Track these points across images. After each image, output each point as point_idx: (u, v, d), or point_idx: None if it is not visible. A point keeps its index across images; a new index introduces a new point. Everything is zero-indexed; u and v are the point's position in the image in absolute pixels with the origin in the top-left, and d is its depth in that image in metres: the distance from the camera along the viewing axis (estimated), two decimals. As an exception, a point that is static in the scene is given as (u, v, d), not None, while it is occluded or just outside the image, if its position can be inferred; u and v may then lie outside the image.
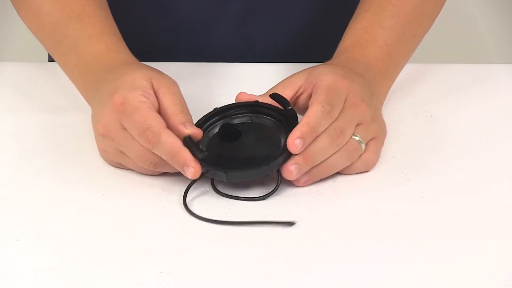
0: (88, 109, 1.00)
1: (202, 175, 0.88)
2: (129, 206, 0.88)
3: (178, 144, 0.87)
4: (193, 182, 0.89)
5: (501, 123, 1.03)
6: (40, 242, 0.83)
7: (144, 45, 1.09)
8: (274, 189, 0.89)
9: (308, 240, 0.83)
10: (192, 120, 0.90)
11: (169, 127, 0.88)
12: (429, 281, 0.78)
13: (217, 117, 0.93)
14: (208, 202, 0.88)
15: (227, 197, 0.88)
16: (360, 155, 0.92)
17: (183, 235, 0.84)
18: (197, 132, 0.89)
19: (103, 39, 0.99)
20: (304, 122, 0.88)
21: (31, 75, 1.11)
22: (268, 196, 0.88)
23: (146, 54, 1.03)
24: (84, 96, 1.00)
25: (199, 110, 0.94)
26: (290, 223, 0.83)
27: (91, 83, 0.96)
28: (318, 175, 0.90)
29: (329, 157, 0.90)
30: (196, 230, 0.84)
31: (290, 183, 0.90)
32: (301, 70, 0.95)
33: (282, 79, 0.95)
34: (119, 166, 0.93)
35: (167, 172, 0.90)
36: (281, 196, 0.89)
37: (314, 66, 0.95)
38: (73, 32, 0.99)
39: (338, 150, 0.90)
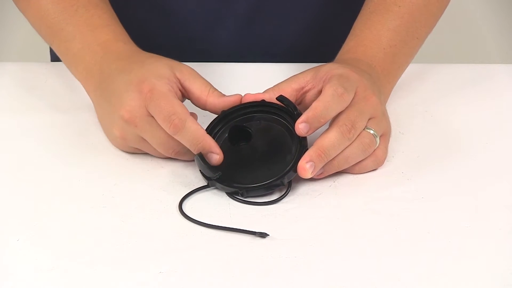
0: (88, 108, 1.00)
1: (216, 189, 0.90)
2: (129, 206, 0.88)
3: (202, 131, 0.89)
4: (194, 191, 0.89)
5: (501, 123, 1.03)
6: (40, 242, 0.83)
7: (150, 45, 1.09)
8: (284, 194, 0.89)
9: (308, 240, 0.83)
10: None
11: (209, 105, 0.92)
12: (429, 281, 0.78)
13: (225, 121, 0.93)
14: (209, 202, 0.88)
15: (238, 201, 0.89)
16: (377, 151, 0.92)
17: (183, 235, 0.84)
18: (236, 98, 0.93)
19: (111, 29, 0.99)
20: (313, 106, 0.88)
21: (31, 75, 1.11)
22: (278, 200, 0.88)
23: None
24: (83, 82, 0.99)
25: (200, 110, 0.94)
26: (263, 234, 0.83)
27: (97, 70, 0.96)
28: (333, 168, 0.90)
29: (344, 150, 0.90)
30: (196, 230, 0.84)
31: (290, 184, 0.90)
32: (308, 69, 0.95)
33: (283, 79, 0.95)
34: (135, 151, 0.94)
35: (184, 159, 0.92)
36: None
37: (320, 65, 0.95)
38: (79, 21, 1.00)
39: (352, 142, 0.90)
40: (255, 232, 0.83)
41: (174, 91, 0.91)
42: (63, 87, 1.07)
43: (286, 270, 0.79)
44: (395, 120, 1.00)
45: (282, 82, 0.94)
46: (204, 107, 0.94)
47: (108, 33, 0.99)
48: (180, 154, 0.92)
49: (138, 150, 0.94)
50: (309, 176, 0.88)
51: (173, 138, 0.90)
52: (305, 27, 1.20)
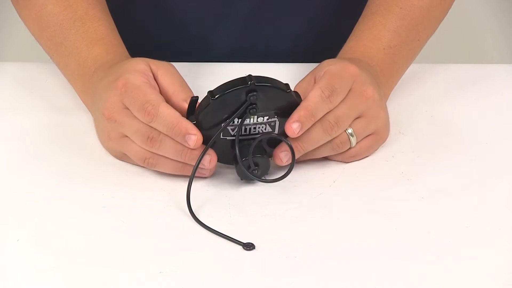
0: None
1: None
2: (129, 206, 0.88)
3: (177, 115, 0.87)
4: (190, 181, 0.88)
5: (501, 123, 1.03)
6: (40, 242, 0.83)
7: (150, 45, 1.08)
8: (287, 171, 0.88)
9: (308, 240, 0.83)
10: (192, 94, 0.91)
11: (172, 106, 0.89)
12: (429, 281, 0.78)
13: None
14: (209, 201, 0.88)
15: (251, 178, 0.88)
16: (350, 149, 0.92)
17: (183, 235, 0.84)
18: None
19: (104, 43, 0.99)
20: (303, 106, 0.88)
21: (31, 75, 1.11)
22: (284, 177, 0.88)
23: (152, 54, 1.03)
24: (82, 98, 1.00)
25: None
26: (249, 246, 0.82)
27: (91, 86, 0.96)
28: (298, 153, 0.90)
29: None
30: (196, 230, 0.84)
31: (290, 184, 0.90)
32: (307, 74, 0.95)
33: (285, 79, 0.94)
34: (122, 157, 0.93)
35: (164, 171, 0.91)
36: (281, 196, 0.89)
37: (319, 64, 0.94)
38: (75, 35, 1.00)
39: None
40: (242, 242, 0.82)
41: (149, 83, 0.90)
42: (63, 87, 1.07)
43: (285, 270, 0.79)
44: (395, 120, 1.00)
45: None
46: (170, 101, 0.91)
47: (101, 47, 0.99)
48: (155, 163, 0.89)
49: (124, 156, 0.93)
50: (283, 164, 0.89)
51: (149, 127, 0.88)
52: (306, 29, 1.20)
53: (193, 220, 0.85)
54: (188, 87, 0.93)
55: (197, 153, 0.88)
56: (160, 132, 0.88)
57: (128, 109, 0.89)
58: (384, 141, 0.95)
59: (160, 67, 0.92)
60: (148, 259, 0.81)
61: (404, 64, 1.03)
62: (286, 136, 0.88)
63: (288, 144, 0.87)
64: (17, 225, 0.85)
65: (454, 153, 0.96)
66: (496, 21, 2.16)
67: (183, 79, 0.93)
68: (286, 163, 0.89)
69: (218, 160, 0.90)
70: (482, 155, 0.96)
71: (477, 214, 0.87)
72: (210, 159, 0.88)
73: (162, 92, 0.91)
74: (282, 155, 0.89)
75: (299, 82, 0.95)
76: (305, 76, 0.95)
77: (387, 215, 0.86)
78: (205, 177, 0.91)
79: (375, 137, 0.93)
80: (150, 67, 0.92)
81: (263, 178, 0.89)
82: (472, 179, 0.92)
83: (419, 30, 1.03)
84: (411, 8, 1.03)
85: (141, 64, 0.92)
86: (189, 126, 0.87)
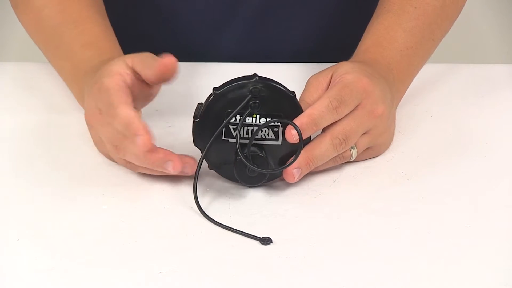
0: (88, 109, 1.00)
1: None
2: (129, 206, 0.88)
3: (132, 115, 0.85)
4: (196, 178, 0.88)
5: (501, 123, 1.03)
6: (40, 242, 0.83)
7: (153, 48, 1.08)
8: (293, 158, 0.87)
9: (308, 240, 0.83)
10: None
11: (154, 78, 0.87)
12: (429, 281, 0.78)
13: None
14: (209, 202, 0.88)
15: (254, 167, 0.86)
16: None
17: (183, 235, 0.84)
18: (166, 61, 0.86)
19: (97, 46, 0.99)
20: (307, 113, 0.87)
21: (31, 75, 1.11)
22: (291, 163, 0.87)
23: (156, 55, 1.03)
24: (79, 102, 1.00)
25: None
26: (266, 240, 0.83)
27: (82, 90, 0.96)
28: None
29: None
30: (196, 230, 0.84)
31: (290, 184, 0.90)
32: (326, 69, 0.93)
33: (288, 79, 0.94)
34: (112, 159, 0.93)
35: (139, 171, 0.91)
36: (281, 196, 0.89)
37: (339, 65, 0.93)
38: (69, 38, 1.00)
39: None
40: (257, 237, 0.83)
41: (124, 83, 0.87)
42: (62, 87, 1.07)
43: (286, 270, 0.79)
44: (395, 120, 1.00)
45: (305, 91, 0.92)
46: (153, 80, 0.88)
47: (92, 50, 0.99)
48: (132, 166, 0.90)
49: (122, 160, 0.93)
50: (294, 181, 0.88)
51: (114, 134, 0.87)
52: (311, 31, 1.20)
53: (192, 221, 0.85)
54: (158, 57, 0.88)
55: (153, 158, 0.86)
56: (123, 139, 0.87)
57: (101, 114, 0.89)
58: (379, 154, 0.95)
59: (134, 58, 0.89)
60: (148, 259, 0.81)
61: (419, 65, 1.02)
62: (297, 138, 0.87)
63: (294, 125, 0.85)
64: (17, 225, 0.85)
65: (454, 153, 0.96)
66: (496, 21, 2.16)
67: (153, 55, 0.89)
68: (298, 179, 0.88)
69: (219, 173, 0.90)
70: (482, 155, 0.96)
71: (477, 214, 0.87)
72: (142, 139, 0.84)
73: (142, 76, 0.88)
74: (295, 171, 0.88)
75: (315, 74, 0.93)
76: (323, 71, 0.93)
77: (387, 215, 0.86)
78: (200, 179, 0.90)
79: (371, 151, 0.94)
80: (126, 63, 0.89)
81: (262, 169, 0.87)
82: (472, 179, 0.92)
83: (433, 29, 1.03)
84: (424, 7, 1.02)
85: (116, 64, 0.89)
86: (139, 127, 0.84)
